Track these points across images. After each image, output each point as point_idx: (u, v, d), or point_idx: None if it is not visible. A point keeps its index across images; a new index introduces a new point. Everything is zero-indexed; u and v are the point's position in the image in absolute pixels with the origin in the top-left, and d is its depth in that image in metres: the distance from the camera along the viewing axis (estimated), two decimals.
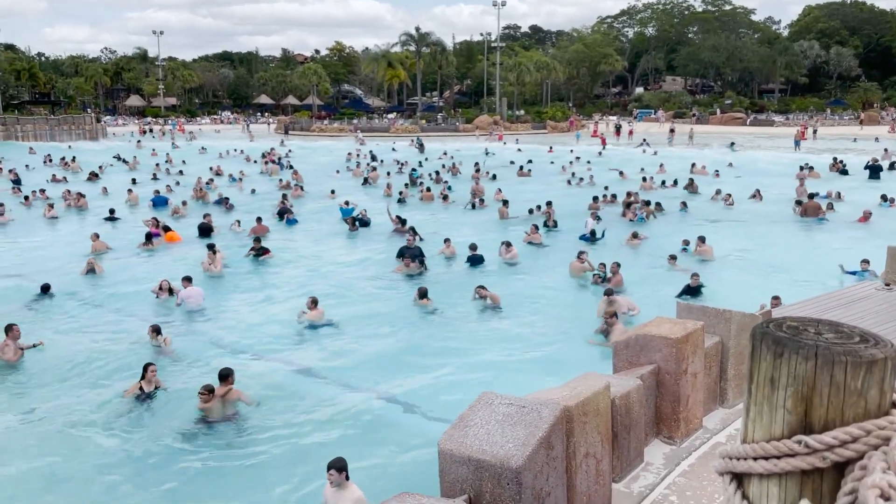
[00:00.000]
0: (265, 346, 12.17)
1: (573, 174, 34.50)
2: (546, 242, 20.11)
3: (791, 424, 1.29)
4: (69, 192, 28.77)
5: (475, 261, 17.56)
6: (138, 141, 59.18)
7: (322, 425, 9.14)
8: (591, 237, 20.07)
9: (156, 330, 11.90)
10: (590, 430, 4.84)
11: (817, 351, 1.27)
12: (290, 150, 50.09)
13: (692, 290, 13.92)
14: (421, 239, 19.18)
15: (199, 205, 27.26)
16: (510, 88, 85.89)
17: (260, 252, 18.21)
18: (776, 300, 12.65)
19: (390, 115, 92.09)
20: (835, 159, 37.59)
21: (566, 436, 4.63)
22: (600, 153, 46.58)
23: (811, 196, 25.21)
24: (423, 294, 14.10)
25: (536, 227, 20.60)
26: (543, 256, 18.61)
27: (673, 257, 16.64)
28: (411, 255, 17.23)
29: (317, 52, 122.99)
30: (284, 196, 27.23)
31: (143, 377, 9.96)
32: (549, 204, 23.80)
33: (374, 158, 44.51)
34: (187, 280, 14.47)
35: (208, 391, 9.19)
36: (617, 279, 14.81)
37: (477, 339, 12.26)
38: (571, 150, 46.26)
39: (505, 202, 25.10)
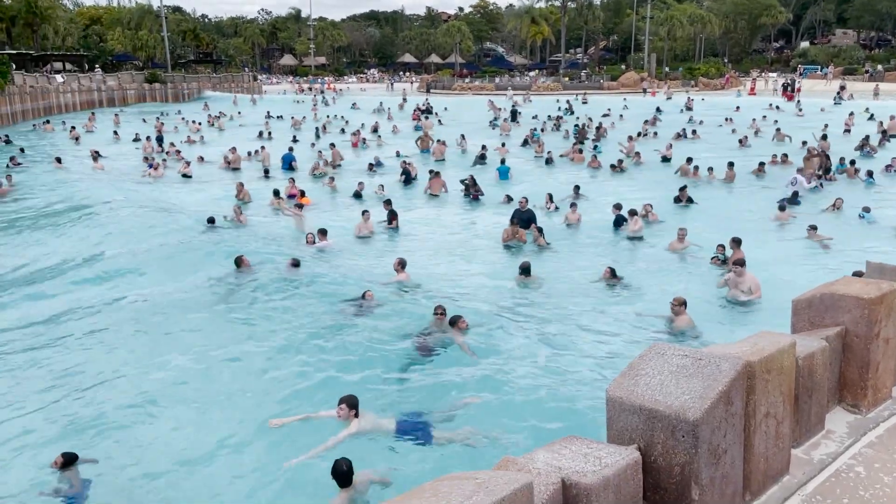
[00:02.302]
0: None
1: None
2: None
3: None
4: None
5: (619, 222, 17.00)
6: (300, 101, 61.38)
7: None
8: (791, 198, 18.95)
9: (295, 264, 13.34)
10: (772, 389, 4.50)
11: None
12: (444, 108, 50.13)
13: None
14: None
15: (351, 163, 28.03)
16: (660, 44, 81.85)
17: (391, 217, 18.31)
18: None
19: (532, 73, 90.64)
20: None
21: (746, 393, 4.33)
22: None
23: None
24: (524, 270, 13.21)
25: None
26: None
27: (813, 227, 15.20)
28: (521, 219, 16.49)
29: (460, 9, 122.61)
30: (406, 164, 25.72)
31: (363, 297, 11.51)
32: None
33: (514, 115, 43.95)
34: (322, 233, 15.82)
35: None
36: (739, 254, 13.19)
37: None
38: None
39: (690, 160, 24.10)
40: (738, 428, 4.29)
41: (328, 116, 45.22)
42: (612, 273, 13.10)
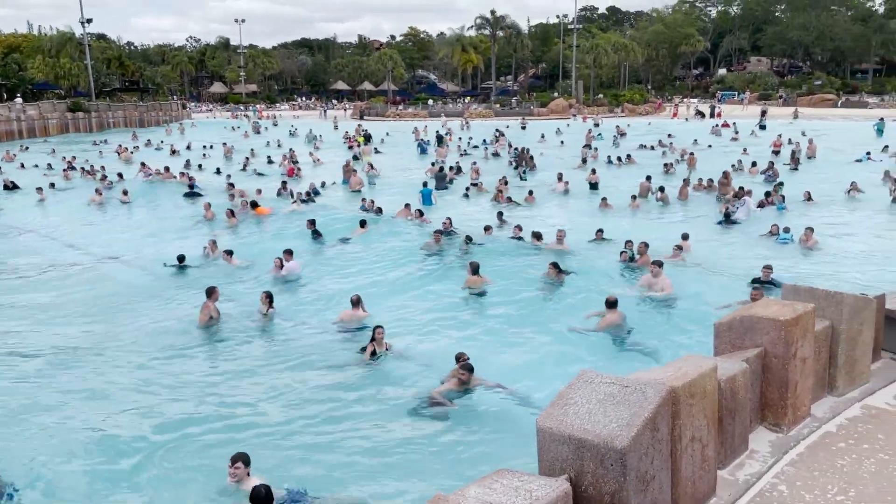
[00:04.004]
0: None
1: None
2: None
3: None
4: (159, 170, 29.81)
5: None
6: (238, 127, 60.50)
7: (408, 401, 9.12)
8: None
9: (268, 297, 12.52)
10: (696, 413, 4.61)
11: None
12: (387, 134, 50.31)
13: (762, 284, 13.08)
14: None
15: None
16: (586, 71, 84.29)
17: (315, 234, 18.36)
18: (767, 269, 12.79)
19: (464, 100, 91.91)
20: None
21: (672, 418, 4.42)
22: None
23: None
24: (474, 270, 13.52)
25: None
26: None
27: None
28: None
29: (392, 37, 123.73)
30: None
31: (372, 339, 10.39)
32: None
33: (441, 141, 44.34)
34: (288, 253, 15.23)
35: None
36: (645, 259, 14.38)
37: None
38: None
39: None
40: (665, 453, 4.36)
41: (269, 144, 44.73)
42: (558, 269, 13.39)
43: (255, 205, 21.77)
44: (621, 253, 14.83)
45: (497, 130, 47.78)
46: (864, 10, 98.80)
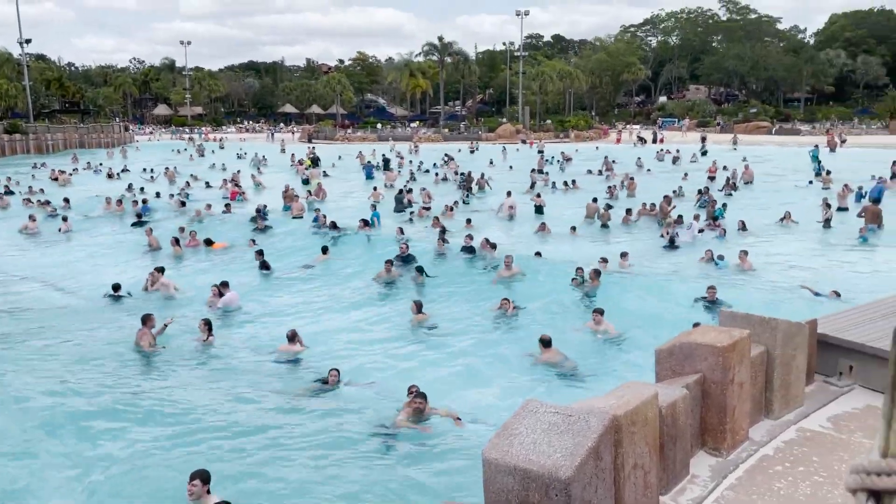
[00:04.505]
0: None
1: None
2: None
3: None
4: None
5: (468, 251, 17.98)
6: (184, 149, 59.43)
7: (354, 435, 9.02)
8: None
9: (207, 324, 12.51)
10: (638, 441, 4.69)
11: None
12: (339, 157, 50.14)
13: (708, 304, 13.55)
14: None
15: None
16: (533, 98, 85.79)
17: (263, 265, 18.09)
18: (712, 289, 13.30)
19: (413, 124, 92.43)
20: None
21: (614, 446, 4.49)
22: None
23: (874, 200, 24.99)
24: (418, 308, 13.53)
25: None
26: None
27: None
28: (404, 264, 17.24)
29: (340, 61, 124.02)
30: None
31: (326, 381, 10.46)
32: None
33: (387, 164, 44.48)
34: (224, 285, 14.84)
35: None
36: (594, 284, 14.88)
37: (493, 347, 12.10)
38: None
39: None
40: (608, 482, 4.42)
41: (214, 167, 44.04)
42: (509, 302, 13.59)
43: (209, 242, 20.92)
44: (572, 279, 15.09)
45: (446, 155, 48.16)
46: (796, 41, 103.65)
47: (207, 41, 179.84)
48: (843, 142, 59.66)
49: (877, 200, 27.08)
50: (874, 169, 35.14)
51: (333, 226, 21.61)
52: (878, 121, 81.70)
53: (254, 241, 21.03)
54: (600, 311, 12.75)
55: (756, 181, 35.14)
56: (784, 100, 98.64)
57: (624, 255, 17.92)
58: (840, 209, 25.59)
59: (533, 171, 38.78)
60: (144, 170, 42.00)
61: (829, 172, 34.85)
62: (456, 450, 8.43)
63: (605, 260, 16.38)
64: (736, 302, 13.50)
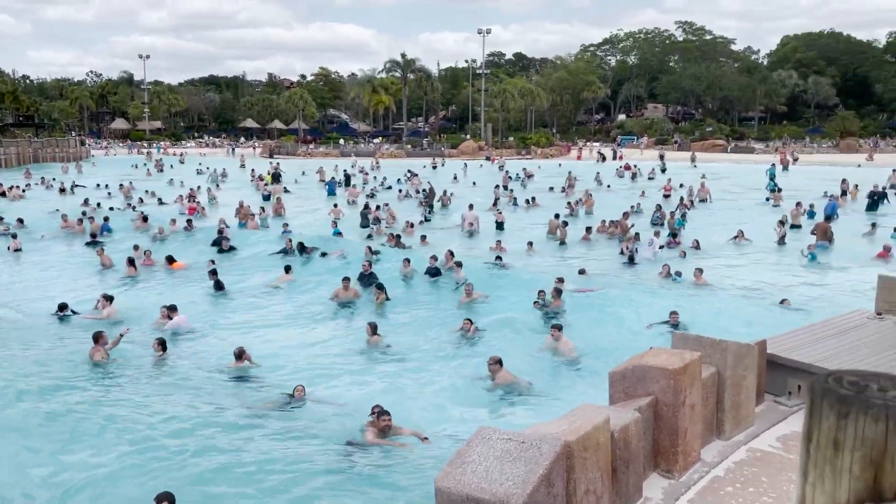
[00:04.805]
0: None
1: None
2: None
3: (858, 492, 1.18)
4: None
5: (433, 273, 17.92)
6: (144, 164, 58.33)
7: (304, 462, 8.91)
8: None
9: (160, 343, 12.51)
10: (590, 466, 4.72)
11: (888, 412, 1.17)
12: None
13: (671, 327, 13.63)
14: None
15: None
16: (495, 115, 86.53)
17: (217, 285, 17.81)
18: (674, 315, 13.52)
19: (376, 140, 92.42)
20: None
21: (566, 472, 4.50)
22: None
23: (827, 218, 25.76)
24: (373, 329, 13.44)
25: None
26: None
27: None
28: (364, 284, 17.18)
29: (303, 77, 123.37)
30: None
31: (292, 395, 10.58)
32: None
33: (348, 181, 44.21)
34: (172, 309, 14.50)
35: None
36: (557, 304, 15.08)
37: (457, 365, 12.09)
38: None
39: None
40: None
41: (172, 182, 43.33)
42: (471, 323, 13.59)
43: (171, 259, 20.55)
44: (534, 302, 15.16)
45: (409, 171, 48.22)
46: (750, 62, 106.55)
47: (167, 55, 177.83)
48: (796, 160, 61.40)
49: (829, 217, 27.92)
50: (826, 186, 36.21)
51: (302, 247, 21.34)
52: (828, 140, 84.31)
53: (213, 261, 20.73)
54: (558, 327, 12.86)
55: (713, 198, 35.87)
56: (739, 118, 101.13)
57: (582, 271, 18.17)
58: (793, 227, 26.25)
59: (497, 187, 39.03)
60: (98, 185, 41.18)
61: (780, 190, 35.78)
62: (422, 467, 8.42)
63: (561, 280, 16.47)
64: (693, 316, 13.78)
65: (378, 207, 30.77)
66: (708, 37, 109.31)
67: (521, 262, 20.48)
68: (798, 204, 28.66)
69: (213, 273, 18.05)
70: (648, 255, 21.49)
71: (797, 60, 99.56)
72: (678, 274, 18.15)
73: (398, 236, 23.60)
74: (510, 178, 44.85)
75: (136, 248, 21.41)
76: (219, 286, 17.61)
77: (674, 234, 24.28)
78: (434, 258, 18.45)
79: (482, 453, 4.45)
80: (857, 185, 35.71)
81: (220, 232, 23.88)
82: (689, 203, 33.12)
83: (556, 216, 26.82)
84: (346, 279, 16.74)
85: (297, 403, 10.46)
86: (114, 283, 18.52)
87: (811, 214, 28.48)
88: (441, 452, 8.71)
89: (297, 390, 10.61)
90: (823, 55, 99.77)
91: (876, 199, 32.68)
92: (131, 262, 19.88)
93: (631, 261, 21.03)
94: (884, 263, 20.87)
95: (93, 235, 24.71)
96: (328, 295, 16.76)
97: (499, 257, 19.65)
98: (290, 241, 21.65)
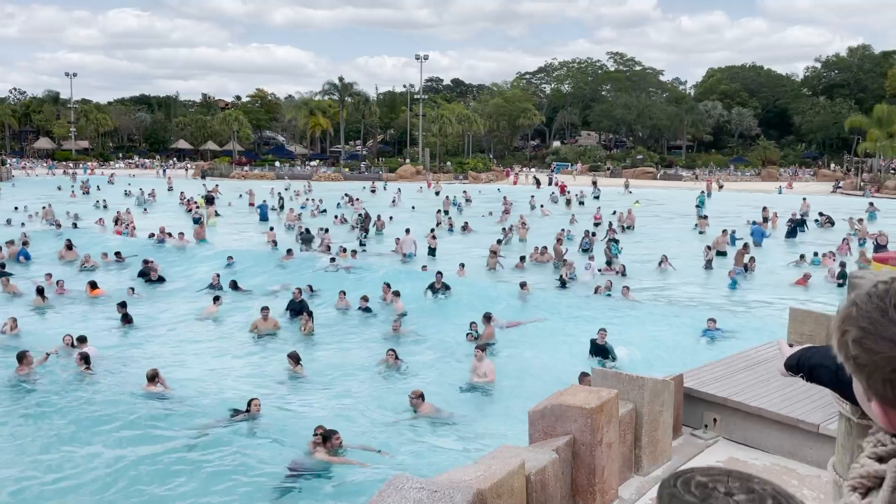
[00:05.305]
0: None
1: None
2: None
3: None
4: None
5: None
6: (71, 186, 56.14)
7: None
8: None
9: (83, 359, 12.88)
10: None
11: None
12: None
13: (599, 349, 13.87)
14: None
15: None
16: (433, 139, 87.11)
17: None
18: (602, 332, 13.72)
19: (313, 163, 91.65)
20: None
21: None
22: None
23: (756, 244, 26.98)
24: (296, 360, 13.29)
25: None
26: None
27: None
28: (293, 309, 17.11)
29: (238, 98, 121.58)
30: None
31: (247, 410, 10.67)
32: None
33: (282, 205, 43.83)
34: (81, 340, 14.16)
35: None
36: (489, 331, 15.20)
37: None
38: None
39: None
40: None
41: (97, 205, 41.84)
42: (395, 355, 13.43)
43: (94, 285, 19.80)
44: (467, 334, 15.15)
45: (346, 195, 47.95)
46: (678, 93, 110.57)
47: (97, 73, 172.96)
48: (721, 187, 63.79)
49: (757, 244, 29.16)
50: (749, 213, 37.71)
51: (234, 286, 20.86)
52: (751, 168, 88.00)
53: (132, 289, 20.08)
54: (482, 348, 12.97)
55: (646, 225, 36.78)
56: (668, 147, 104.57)
57: (523, 285, 18.52)
58: (719, 253, 27.11)
59: (439, 211, 39.20)
60: (16, 208, 39.41)
61: (705, 217, 37.06)
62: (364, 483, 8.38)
63: (487, 317, 16.26)
64: (619, 336, 14.10)
65: (321, 230, 30.34)
66: (638, 68, 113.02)
67: (457, 288, 20.54)
68: (724, 231, 29.70)
69: (123, 306, 17.48)
70: (587, 278, 21.99)
71: (722, 92, 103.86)
72: (608, 288, 18.85)
73: (333, 259, 23.90)
74: (452, 202, 45.11)
75: (48, 276, 20.56)
76: (126, 319, 17.04)
77: (609, 262, 24.80)
78: (365, 298, 18.09)
79: (395, 503, 4.37)
80: (776, 213, 37.27)
81: (146, 262, 23.08)
82: (615, 230, 33.64)
83: (499, 241, 27.31)
84: (266, 309, 16.49)
85: (249, 418, 10.53)
86: (20, 312, 17.60)
87: (733, 240, 29.52)
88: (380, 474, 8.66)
89: (254, 404, 10.71)
90: (746, 87, 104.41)
91: (795, 227, 34.17)
92: (40, 291, 18.99)
93: (563, 285, 21.43)
94: (803, 291, 21.80)
95: (1, 266, 23.37)
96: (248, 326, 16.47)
97: (441, 285, 19.48)
98: (217, 276, 21.10)
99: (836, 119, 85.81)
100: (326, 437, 9.30)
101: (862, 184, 67.71)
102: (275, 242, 27.14)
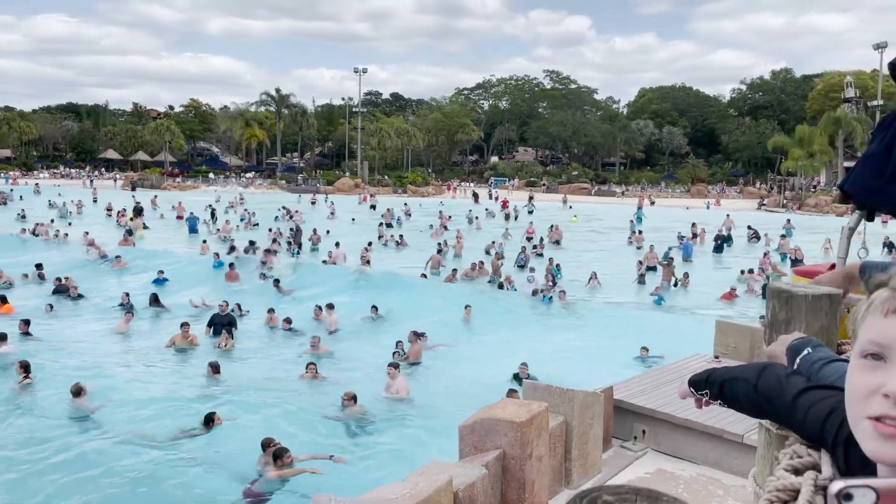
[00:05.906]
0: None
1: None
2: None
3: None
4: None
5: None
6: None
7: None
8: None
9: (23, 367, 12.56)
10: None
11: None
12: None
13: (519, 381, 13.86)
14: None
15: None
16: (371, 153, 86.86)
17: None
18: (524, 366, 13.77)
19: (248, 175, 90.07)
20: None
21: None
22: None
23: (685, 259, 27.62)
24: (215, 368, 13.17)
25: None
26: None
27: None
28: (220, 323, 16.79)
29: (171, 107, 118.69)
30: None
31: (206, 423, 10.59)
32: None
33: (213, 216, 42.86)
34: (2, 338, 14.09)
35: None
36: (415, 350, 15.18)
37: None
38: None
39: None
40: None
41: (18, 216, 39.93)
42: (315, 370, 13.39)
43: (3, 300, 18.92)
44: (394, 353, 15.07)
45: (283, 207, 47.17)
46: (611, 111, 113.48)
47: (21, 79, 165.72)
48: (653, 203, 65.59)
49: (687, 259, 30.03)
50: (679, 228, 38.81)
51: (155, 299, 20.17)
52: (681, 185, 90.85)
53: (51, 305, 19.25)
54: (395, 365, 12.94)
55: (583, 239, 37.34)
56: (602, 163, 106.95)
57: (467, 307, 18.57)
58: (650, 268, 27.76)
59: (381, 225, 38.95)
60: None
61: (640, 232, 37.99)
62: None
63: (416, 334, 16.20)
64: (554, 345, 14.23)
65: (253, 242, 29.71)
66: (573, 86, 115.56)
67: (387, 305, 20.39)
68: (651, 247, 30.42)
69: (26, 323, 16.71)
70: (528, 290, 22.22)
71: (653, 111, 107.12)
72: (545, 294, 19.11)
73: (263, 274, 23.44)
74: (392, 216, 44.89)
75: None
76: (27, 336, 16.32)
77: (554, 283, 25.03)
78: (287, 321, 17.79)
79: None
80: (703, 229, 38.46)
81: (59, 280, 22.00)
82: (543, 245, 33.92)
83: (439, 251, 27.52)
84: (186, 324, 16.06)
85: (211, 430, 10.40)
86: None
87: (666, 256, 30.29)
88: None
89: (216, 418, 10.59)
90: (676, 107, 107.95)
91: (721, 243, 35.36)
92: None
93: (500, 287, 21.92)
94: (729, 305, 22.50)
95: None
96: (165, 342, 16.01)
97: (374, 307, 19.17)
98: (126, 294, 20.23)
99: (761, 139, 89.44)
100: (277, 456, 9.06)
101: (784, 201, 70.71)
102: (217, 255, 25.93)
